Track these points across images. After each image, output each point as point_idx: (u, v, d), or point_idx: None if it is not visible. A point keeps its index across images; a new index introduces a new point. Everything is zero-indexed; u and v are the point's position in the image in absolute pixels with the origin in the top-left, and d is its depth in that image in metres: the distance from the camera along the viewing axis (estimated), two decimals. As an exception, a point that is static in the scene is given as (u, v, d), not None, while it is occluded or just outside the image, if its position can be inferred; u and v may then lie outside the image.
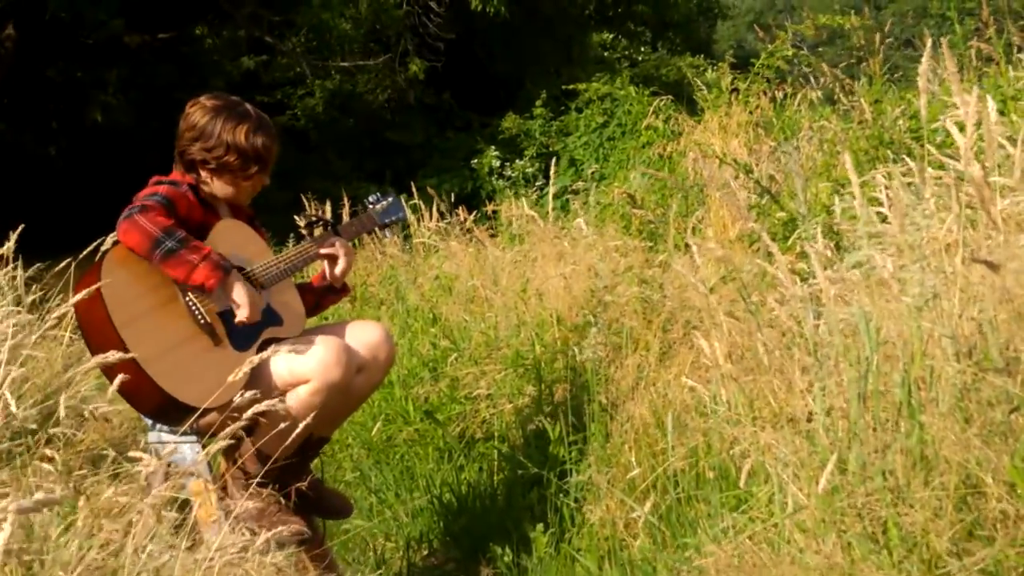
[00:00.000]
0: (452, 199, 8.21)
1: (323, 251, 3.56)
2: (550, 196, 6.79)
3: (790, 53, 8.08)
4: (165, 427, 3.26)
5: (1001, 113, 5.05)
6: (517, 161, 10.29)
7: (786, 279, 3.13)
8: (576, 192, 7.95)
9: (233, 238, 3.33)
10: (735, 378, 3.29)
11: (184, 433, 3.23)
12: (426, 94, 16.11)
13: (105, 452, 3.30)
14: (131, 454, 2.83)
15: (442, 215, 8.05)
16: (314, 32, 16.21)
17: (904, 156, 4.57)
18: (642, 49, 19.36)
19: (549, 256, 5.69)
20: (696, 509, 3.28)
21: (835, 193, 5.21)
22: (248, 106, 3.40)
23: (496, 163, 10.21)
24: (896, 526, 2.48)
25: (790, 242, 4.75)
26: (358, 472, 4.99)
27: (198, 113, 3.32)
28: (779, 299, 3.47)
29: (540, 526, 3.77)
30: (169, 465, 2.96)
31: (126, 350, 2.88)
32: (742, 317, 3.76)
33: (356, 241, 4.06)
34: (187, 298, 3.12)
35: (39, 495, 1.01)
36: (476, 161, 10.59)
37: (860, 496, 2.59)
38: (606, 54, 18.50)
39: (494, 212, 8.70)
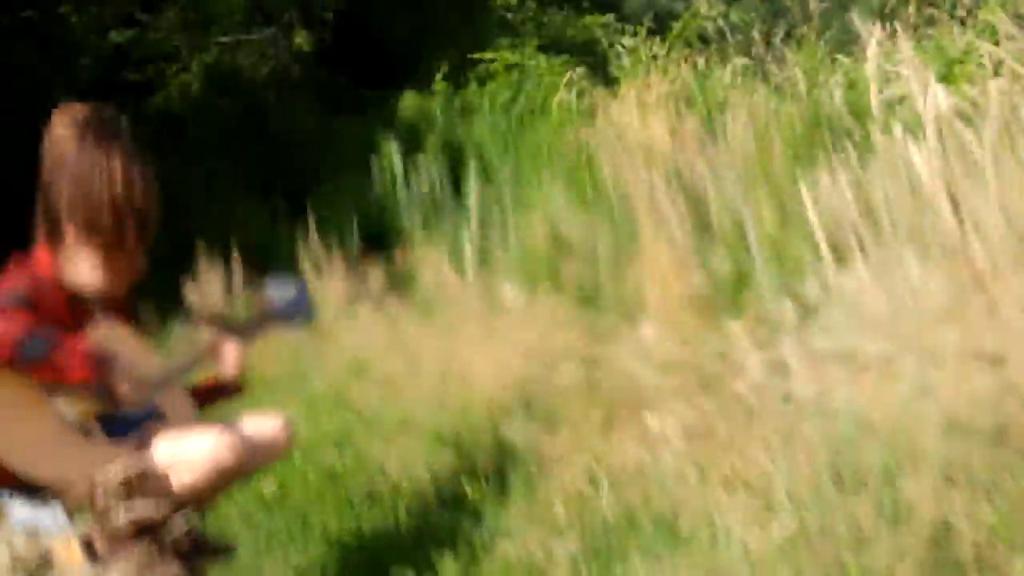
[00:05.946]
0: (355, 233, 7.82)
1: (213, 353, 3.26)
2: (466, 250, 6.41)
3: (716, 13, 7.91)
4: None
5: (945, 79, 4.98)
6: (420, 155, 9.86)
7: (755, 369, 3.11)
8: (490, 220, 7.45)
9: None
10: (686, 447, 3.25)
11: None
12: (316, 72, 15.77)
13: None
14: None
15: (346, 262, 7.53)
16: (191, 4, 15.82)
17: (845, 140, 4.47)
18: (547, 10, 19.00)
19: (474, 336, 5.32)
20: (628, 544, 3.21)
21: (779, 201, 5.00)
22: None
23: (398, 166, 9.72)
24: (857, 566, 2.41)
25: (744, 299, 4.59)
26: (245, 520, 4.71)
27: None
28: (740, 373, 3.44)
29: (449, 555, 3.62)
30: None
31: None
32: (698, 396, 3.71)
33: None
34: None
35: None
36: (377, 163, 10.09)
37: (818, 543, 2.51)
38: (510, 16, 18.15)
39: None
